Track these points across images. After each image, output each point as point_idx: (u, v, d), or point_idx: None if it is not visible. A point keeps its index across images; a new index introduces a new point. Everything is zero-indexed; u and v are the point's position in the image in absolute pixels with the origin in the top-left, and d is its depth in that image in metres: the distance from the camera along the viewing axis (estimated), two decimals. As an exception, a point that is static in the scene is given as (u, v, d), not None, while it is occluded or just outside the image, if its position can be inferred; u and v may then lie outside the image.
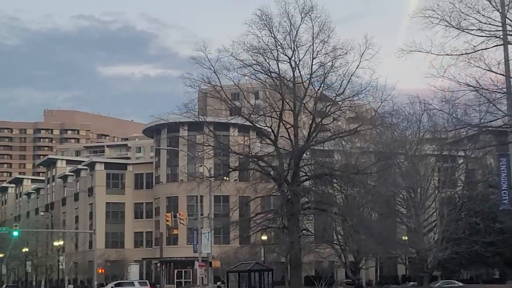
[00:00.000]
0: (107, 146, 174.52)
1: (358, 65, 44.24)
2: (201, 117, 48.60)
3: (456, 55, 23.03)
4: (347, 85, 44.73)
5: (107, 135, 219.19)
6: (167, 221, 71.28)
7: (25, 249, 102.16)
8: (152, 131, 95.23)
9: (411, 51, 23.37)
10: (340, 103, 45.56)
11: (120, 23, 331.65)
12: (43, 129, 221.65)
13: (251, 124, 69.61)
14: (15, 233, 77.02)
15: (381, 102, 44.63)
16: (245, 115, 46.97)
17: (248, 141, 60.28)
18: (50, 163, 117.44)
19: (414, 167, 62.12)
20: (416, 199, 62.07)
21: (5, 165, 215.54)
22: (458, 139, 66.10)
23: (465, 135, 65.18)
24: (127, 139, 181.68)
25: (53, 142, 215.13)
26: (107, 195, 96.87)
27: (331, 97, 45.84)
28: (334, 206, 46.13)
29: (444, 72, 22.65)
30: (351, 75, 44.49)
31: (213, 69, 44.36)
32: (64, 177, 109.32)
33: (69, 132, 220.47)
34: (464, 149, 65.07)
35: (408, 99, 61.58)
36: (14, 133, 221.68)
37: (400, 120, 62.45)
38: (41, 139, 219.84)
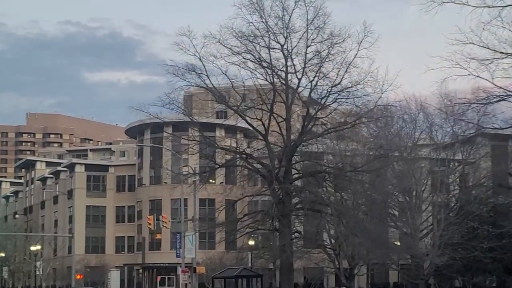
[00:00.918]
0: (90, 150, 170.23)
1: (356, 54, 41.05)
2: (185, 110, 44.91)
3: (500, 7, 19.07)
4: (344, 75, 41.30)
5: (91, 140, 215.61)
6: (149, 224, 67.53)
7: (2, 254, 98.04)
8: (135, 132, 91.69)
9: (444, 2, 19.46)
10: (336, 94, 41.96)
11: (106, 29, 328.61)
12: (25, 133, 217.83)
13: (238, 125, 66.05)
14: (-12, 237, 73.22)
15: (381, 93, 41.20)
16: (233, 107, 43.21)
17: (235, 140, 56.99)
18: (29, 165, 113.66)
19: (410, 168, 59.11)
20: (411, 202, 59.06)
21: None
22: (455, 141, 63.43)
23: (463, 136, 62.54)
24: (111, 143, 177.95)
25: (35, 145, 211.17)
26: (87, 198, 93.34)
27: (327, 89, 42.18)
28: (329, 207, 42.43)
29: (484, 28, 18.77)
30: (349, 64, 41.19)
31: (198, 56, 40.97)
32: (43, 180, 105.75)
33: (51, 136, 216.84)
34: (462, 151, 62.29)
35: (404, 97, 58.70)
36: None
37: (395, 121, 59.65)
38: (23, 143, 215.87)
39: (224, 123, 76.44)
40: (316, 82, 41.79)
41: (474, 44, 19.83)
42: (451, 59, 21.05)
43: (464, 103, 23.90)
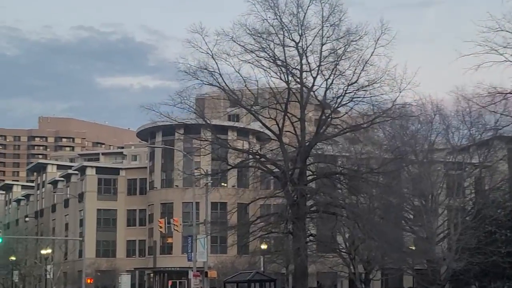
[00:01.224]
0: (102, 154, 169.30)
1: (373, 52, 40.00)
2: (197, 109, 43.72)
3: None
4: (360, 73, 40.08)
5: (103, 144, 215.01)
6: (161, 227, 66.23)
7: (12, 258, 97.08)
8: (146, 134, 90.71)
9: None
10: (352, 93, 40.65)
11: (119, 35, 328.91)
12: (37, 137, 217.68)
13: (250, 128, 64.83)
14: (-2, 240, 72.07)
15: (399, 92, 39.90)
16: (246, 106, 41.99)
17: (248, 142, 55.88)
18: (41, 168, 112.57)
19: (426, 171, 57.73)
20: (427, 205, 57.64)
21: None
22: (471, 144, 62.10)
23: (479, 139, 61.17)
24: (123, 147, 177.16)
25: (48, 149, 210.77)
26: (98, 201, 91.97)
27: (343, 88, 40.81)
28: (345, 209, 41.08)
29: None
30: (366, 62, 39.99)
31: (210, 53, 39.95)
32: (54, 183, 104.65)
33: (64, 139, 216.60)
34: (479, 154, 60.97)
35: (420, 98, 57.47)
36: (8, 140, 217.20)
37: (411, 122, 58.35)
38: (35, 147, 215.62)
39: (236, 125, 75.53)
40: (332, 81, 40.68)
41: (508, 31, 18.51)
42: (486, 44, 19.56)
43: (500, 93, 22.44)
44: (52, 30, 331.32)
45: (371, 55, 40.00)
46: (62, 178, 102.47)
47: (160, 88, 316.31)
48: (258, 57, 40.68)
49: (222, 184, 75.91)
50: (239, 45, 40.16)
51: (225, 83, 40.77)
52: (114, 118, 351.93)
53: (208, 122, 42.62)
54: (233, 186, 72.36)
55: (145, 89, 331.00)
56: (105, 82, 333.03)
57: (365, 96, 40.52)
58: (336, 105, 41.21)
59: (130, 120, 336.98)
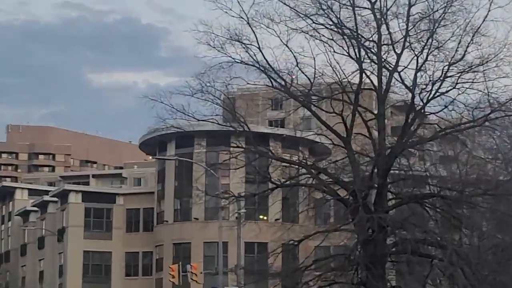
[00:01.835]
0: (93, 176, 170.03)
1: (486, 16, 37.82)
2: (226, 103, 41.82)
3: None
4: (468, 47, 37.81)
5: (95, 162, 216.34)
6: (173, 277, 65.41)
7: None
8: (153, 146, 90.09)
9: None
10: (456, 76, 38.37)
11: (119, 14, 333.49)
12: (4, 152, 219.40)
13: (296, 133, 62.56)
14: None
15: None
16: (298, 97, 39.98)
17: (298, 154, 54.10)
18: (6, 195, 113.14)
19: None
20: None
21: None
22: None
23: None
24: (121, 167, 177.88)
25: (18, 170, 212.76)
26: (85, 240, 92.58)
27: (442, 69, 38.44)
28: (446, 249, 38.62)
29: None
30: (476, 31, 37.77)
31: (246, 18, 38.06)
32: (25, 214, 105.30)
33: (40, 157, 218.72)
34: None
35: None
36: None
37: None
38: (2, 166, 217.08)
39: (280, 132, 73.94)
40: (426, 57, 38.46)
41: None
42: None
43: None
44: (28, 8, 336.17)
45: (484, 20, 37.92)
46: (35, 208, 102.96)
47: (175, 86, 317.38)
48: (316, 23, 38.79)
49: (261, 216, 74.57)
50: (288, 6, 38.37)
51: (266, 60, 38.76)
52: (111, 128, 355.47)
53: (242, 119, 40.59)
54: (276, 219, 70.67)
55: (154, 88, 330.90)
56: (99, 79, 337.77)
57: (475, 80, 38.06)
58: (432, 95, 38.82)
59: (132, 131, 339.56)
